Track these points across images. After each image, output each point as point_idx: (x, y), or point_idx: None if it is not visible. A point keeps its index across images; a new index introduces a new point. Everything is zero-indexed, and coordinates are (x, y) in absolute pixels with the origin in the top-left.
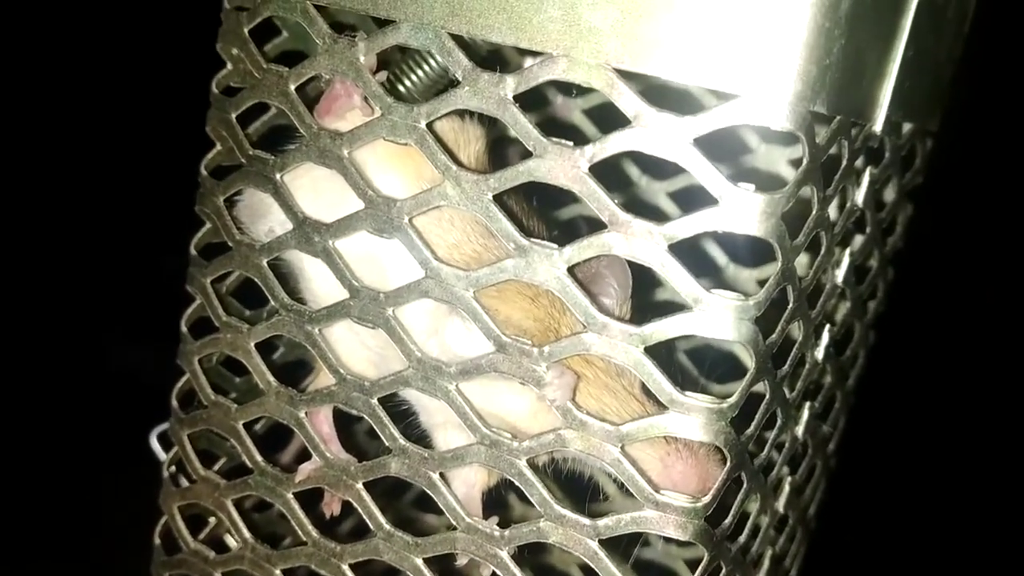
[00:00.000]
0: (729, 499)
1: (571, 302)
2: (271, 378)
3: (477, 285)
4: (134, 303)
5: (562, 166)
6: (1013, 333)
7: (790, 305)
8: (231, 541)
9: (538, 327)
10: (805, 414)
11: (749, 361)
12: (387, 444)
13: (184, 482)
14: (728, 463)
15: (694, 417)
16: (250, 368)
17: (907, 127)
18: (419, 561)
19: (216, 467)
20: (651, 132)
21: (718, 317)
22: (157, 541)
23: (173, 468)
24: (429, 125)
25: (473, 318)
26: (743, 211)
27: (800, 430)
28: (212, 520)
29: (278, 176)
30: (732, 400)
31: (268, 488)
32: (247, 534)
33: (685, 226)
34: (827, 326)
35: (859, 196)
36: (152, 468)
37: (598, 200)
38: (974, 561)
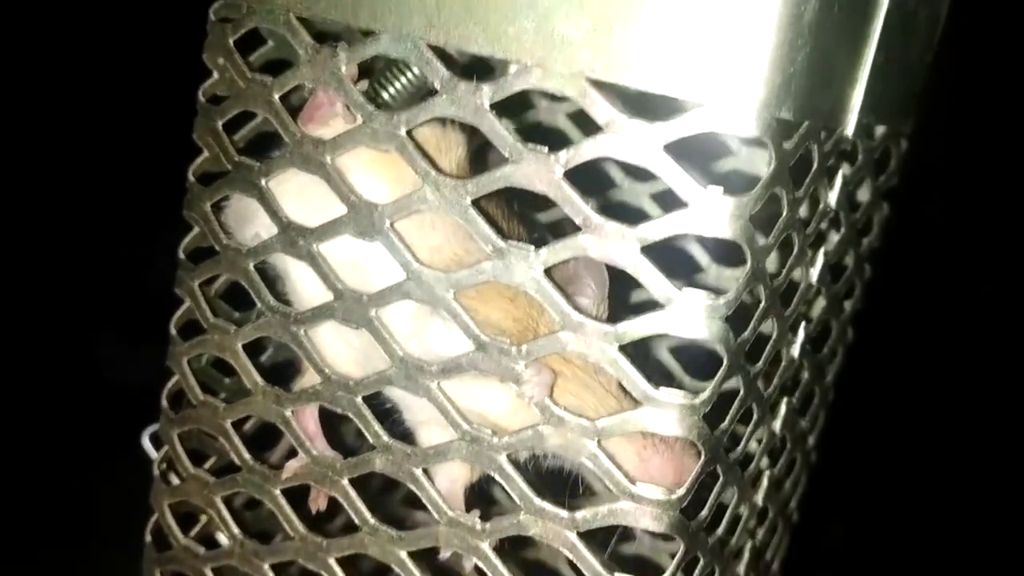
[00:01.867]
0: (705, 492)
1: (547, 302)
2: (258, 378)
3: (457, 286)
4: (123, 307)
5: (538, 172)
6: (1006, 329)
7: (762, 304)
8: (222, 539)
9: (517, 327)
10: (782, 409)
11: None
12: (371, 441)
13: (175, 480)
14: (702, 457)
15: (668, 412)
16: (237, 368)
17: (880, 130)
18: (403, 555)
19: (206, 466)
20: (623, 138)
21: (690, 316)
22: (148, 539)
23: (164, 467)
24: (409, 132)
25: (453, 318)
26: (712, 213)
27: (778, 425)
28: (203, 519)
29: (263, 182)
30: (704, 396)
31: (256, 485)
32: (236, 530)
33: (656, 228)
34: (803, 323)
35: (832, 197)
36: (145, 469)
37: (572, 204)
38: (961, 554)
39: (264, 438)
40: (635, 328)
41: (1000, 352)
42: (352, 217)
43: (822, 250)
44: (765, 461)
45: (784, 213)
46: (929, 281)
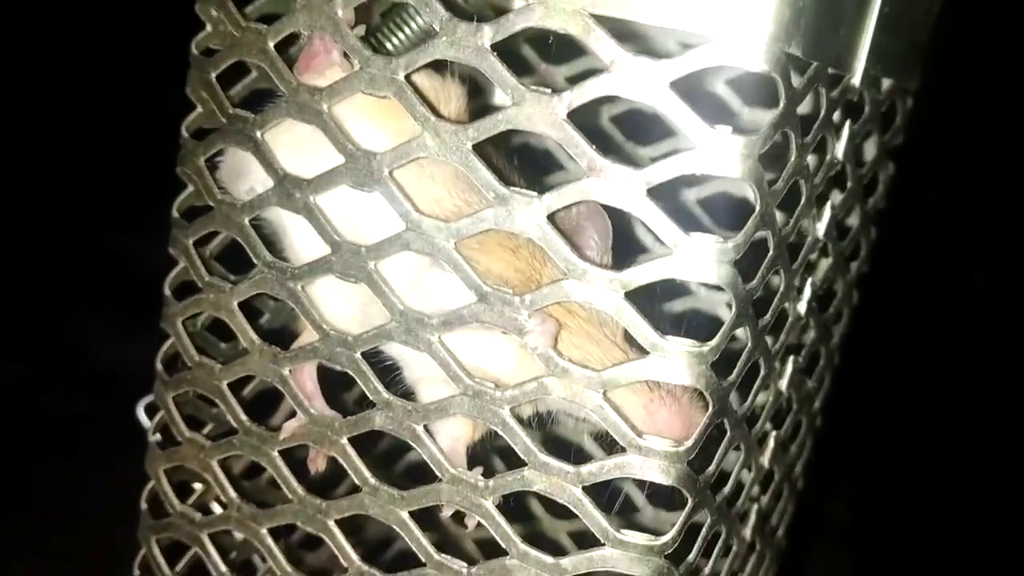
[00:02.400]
0: (713, 448)
1: (552, 249)
2: (254, 336)
3: (458, 236)
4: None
5: (540, 113)
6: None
7: (770, 252)
8: (217, 508)
9: (520, 277)
10: (789, 368)
11: (728, 311)
12: (371, 398)
13: (170, 447)
14: (710, 408)
15: (675, 361)
16: (233, 328)
17: (886, 83)
18: (405, 515)
19: (204, 432)
20: (627, 77)
21: (698, 260)
22: (144, 506)
23: (159, 432)
24: (408, 77)
25: (454, 269)
26: (720, 153)
27: (784, 384)
28: (198, 487)
29: (258, 134)
30: (713, 343)
31: (253, 447)
32: (232, 494)
33: (663, 170)
34: (809, 280)
35: (839, 149)
36: (139, 443)
37: (577, 146)
38: (968, 526)
39: (262, 405)
40: (641, 274)
41: (998, 327)
42: (349, 167)
43: (828, 204)
44: (771, 421)
45: (792, 157)
46: (924, 266)
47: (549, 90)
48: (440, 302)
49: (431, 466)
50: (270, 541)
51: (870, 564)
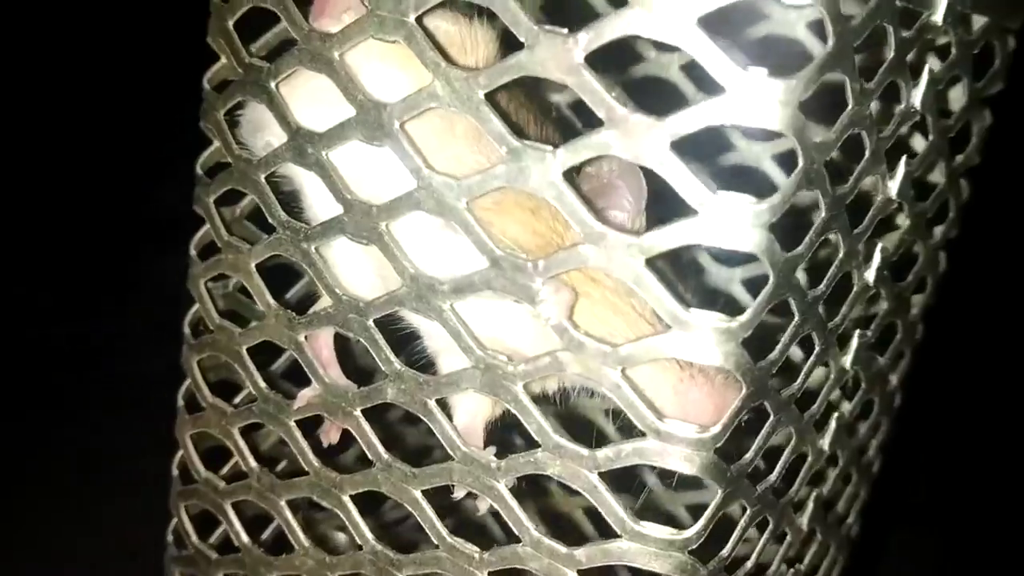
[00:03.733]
0: (751, 434)
1: (566, 210)
2: (271, 299)
3: (470, 194)
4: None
5: (555, 56)
6: None
7: (822, 215)
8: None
9: (538, 241)
10: (854, 343)
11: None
12: (383, 368)
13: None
14: (743, 390)
15: (700, 337)
16: (251, 290)
17: (979, 22)
18: (417, 493)
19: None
20: (651, 13)
21: (727, 223)
22: (175, 472)
23: (186, 398)
24: (419, 20)
25: (465, 231)
26: (755, 99)
27: (848, 360)
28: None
29: (272, 84)
30: (744, 318)
31: (270, 415)
32: (253, 463)
33: (690, 119)
34: (879, 245)
35: (916, 97)
36: None
37: (593, 92)
38: None
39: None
40: (663, 238)
41: None
42: (360, 119)
43: (903, 159)
44: (833, 401)
45: (849, 106)
46: None
47: (565, 30)
48: (451, 267)
49: (443, 443)
50: (288, 513)
51: (952, 548)
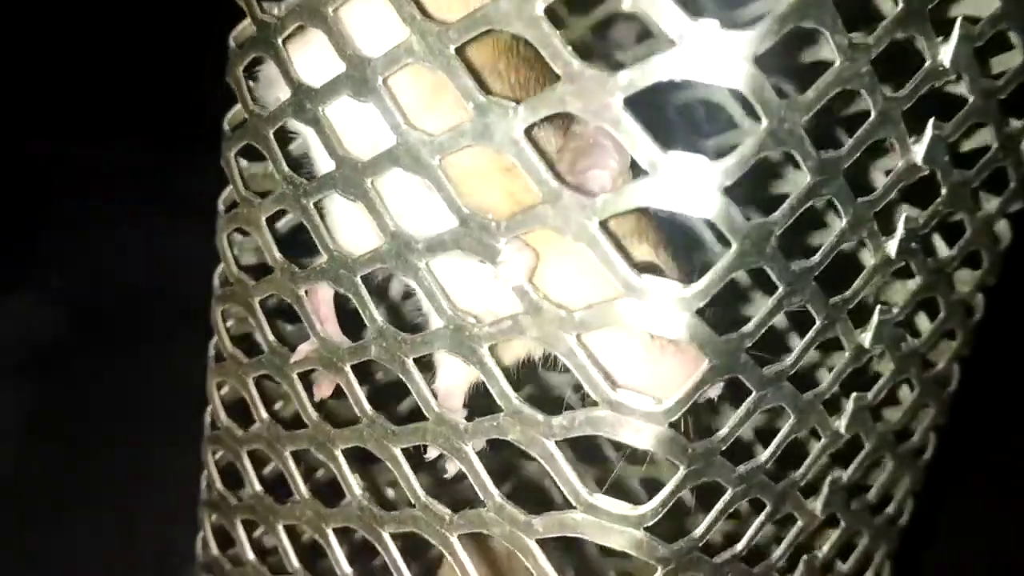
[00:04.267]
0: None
1: (525, 167)
2: (277, 254)
3: (441, 151)
4: None
5: (517, 8)
6: None
7: (807, 180)
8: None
9: (509, 201)
10: (875, 320)
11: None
12: (368, 325)
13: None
14: (705, 364)
15: (654, 305)
16: (260, 242)
17: None
18: (397, 451)
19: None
20: None
21: (680, 184)
22: (207, 421)
23: (215, 348)
24: None
25: (437, 188)
26: (707, 52)
27: (868, 339)
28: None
29: (279, 40)
30: (698, 286)
31: (276, 367)
32: (264, 414)
33: (643, 73)
34: (903, 216)
35: (945, 54)
36: None
37: (550, 46)
38: None
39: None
40: (617, 201)
41: None
42: (349, 75)
43: (931, 122)
44: (846, 383)
45: (837, 62)
46: None
47: None
48: (430, 226)
49: (418, 403)
50: (292, 464)
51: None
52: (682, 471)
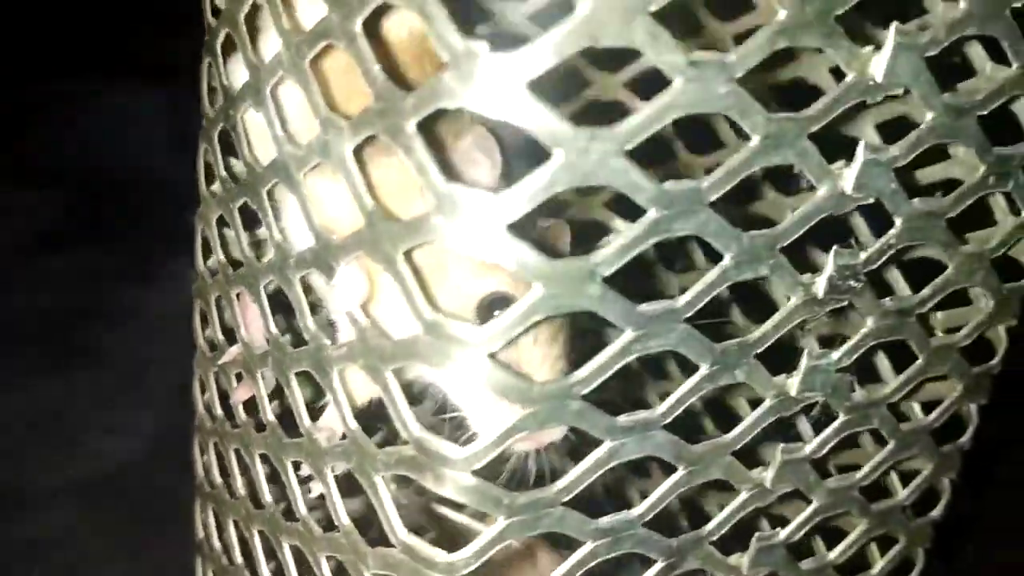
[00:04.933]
0: None
1: (350, 185)
2: (221, 255)
3: (301, 166)
4: None
5: (339, 24)
6: None
7: (650, 214)
8: None
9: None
10: (803, 364)
11: None
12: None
13: None
14: (521, 410)
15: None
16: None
17: None
18: (288, 463)
19: None
20: None
21: (462, 221)
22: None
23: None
24: None
25: (299, 203)
26: (480, 77)
27: (794, 385)
28: None
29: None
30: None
31: (206, 365)
32: (218, 409)
33: (420, 100)
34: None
35: None
36: None
37: (363, 64)
38: None
39: None
40: (409, 233)
41: None
42: (284, 53)
43: (893, 26)
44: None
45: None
46: None
47: None
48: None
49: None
50: (262, 387)
51: None
52: (501, 522)
